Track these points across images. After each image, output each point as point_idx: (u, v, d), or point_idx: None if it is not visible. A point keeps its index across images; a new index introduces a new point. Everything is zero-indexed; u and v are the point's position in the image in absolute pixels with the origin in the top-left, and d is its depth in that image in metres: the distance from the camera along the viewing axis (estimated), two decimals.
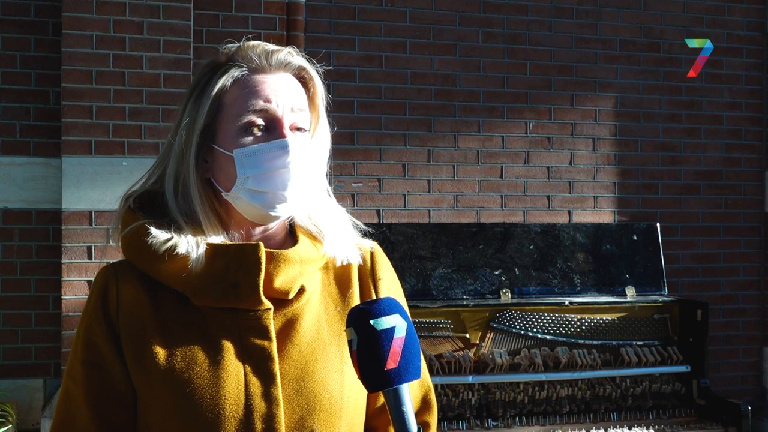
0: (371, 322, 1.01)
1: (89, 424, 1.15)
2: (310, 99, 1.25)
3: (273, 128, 1.18)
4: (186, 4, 3.81)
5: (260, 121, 1.17)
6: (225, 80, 1.18)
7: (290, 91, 1.20)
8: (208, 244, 1.16)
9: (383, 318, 1.01)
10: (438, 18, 4.35)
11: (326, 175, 1.30)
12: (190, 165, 1.18)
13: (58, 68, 3.76)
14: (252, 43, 1.22)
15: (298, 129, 1.20)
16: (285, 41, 4.00)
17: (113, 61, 3.72)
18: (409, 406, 1.00)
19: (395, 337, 1.01)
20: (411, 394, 1.29)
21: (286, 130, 1.18)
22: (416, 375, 1.02)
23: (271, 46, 1.21)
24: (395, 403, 1.00)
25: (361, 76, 4.24)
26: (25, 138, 3.90)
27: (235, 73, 1.18)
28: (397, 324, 1.02)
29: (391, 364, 1.00)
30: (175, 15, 3.78)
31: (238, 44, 1.22)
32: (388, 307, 1.03)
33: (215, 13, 4.02)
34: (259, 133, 1.17)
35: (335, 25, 4.23)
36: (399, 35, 4.30)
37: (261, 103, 1.17)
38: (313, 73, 1.25)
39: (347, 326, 1.03)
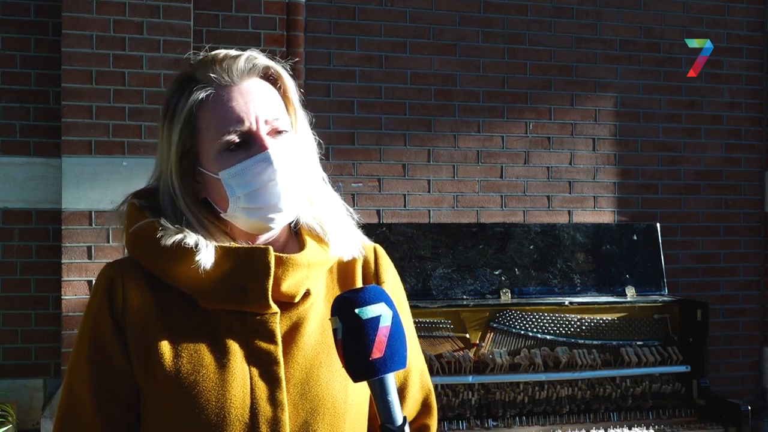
0: (356, 311, 1.00)
1: (94, 421, 1.14)
2: (283, 95, 1.22)
3: (252, 142, 1.16)
4: (186, 4, 3.81)
5: (237, 138, 1.15)
6: (191, 104, 1.16)
7: (260, 100, 1.17)
8: (216, 246, 1.15)
9: (368, 307, 1.00)
10: (438, 18, 4.35)
11: (320, 161, 1.28)
12: (179, 191, 1.17)
13: (58, 68, 3.76)
14: (211, 55, 1.19)
15: (279, 132, 1.18)
16: (285, 41, 4.01)
17: (113, 61, 3.72)
18: (395, 396, 1.00)
19: (381, 326, 1.00)
20: (412, 397, 1.29)
21: (266, 140, 1.15)
22: (402, 365, 1.01)
23: (232, 53, 1.18)
24: (381, 392, 1.00)
25: (361, 76, 4.24)
26: (25, 138, 3.90)
27: (200, 95, 1.16)
28: (382, 313, 1.01)
29: (377, 353, 0.99)
30: (175, 15, 3.78)
31: (201, 56, 1.20)
32: (373, 295, 1.02)
33: (215, 13, 4.02)
34: (240, 150, 1.15)
35: (335, 25, 4.23)
36: (399, 35, 4.30)
37: (233, 126, 1.14)
38: (280, 69, 1.22)
39: (332, 315, 1.02)
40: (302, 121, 1.26)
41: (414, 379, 1.30)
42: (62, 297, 3.66)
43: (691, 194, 4.71)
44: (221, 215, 1.19)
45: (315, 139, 1.28)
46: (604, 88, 4.58)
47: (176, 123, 1.16)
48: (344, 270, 1.27)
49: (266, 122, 1.17)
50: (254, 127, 1.15)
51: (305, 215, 1.24)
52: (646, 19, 4.64)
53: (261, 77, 1.20)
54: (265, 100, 1.18)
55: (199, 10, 3.96)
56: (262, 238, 1.22)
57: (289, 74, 1.23)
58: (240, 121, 1.15)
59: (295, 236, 1.26)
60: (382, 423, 0.99)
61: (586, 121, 4.55)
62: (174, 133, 1.16)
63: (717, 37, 4.64)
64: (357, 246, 1.26)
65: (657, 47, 4.66)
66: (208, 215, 1.19)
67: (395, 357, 1.00)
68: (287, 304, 1.18)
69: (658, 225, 4.08)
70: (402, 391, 1.28)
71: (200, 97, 1.16)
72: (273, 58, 1.23)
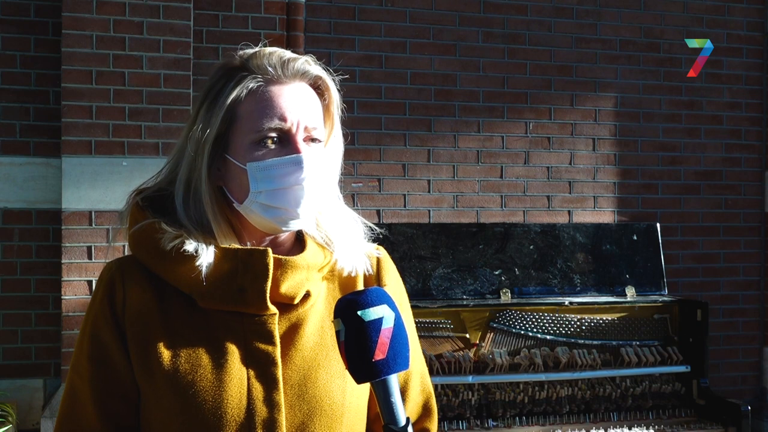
0: (359, 312, 1.00)
1: (94, 420, 1.15)
2: (326, 108, 1.24)
3: (287, 142, 1.16)
4: (186, 4, 3.81)
5: (274, 135, 1.16)
6: (239, 91, 1.16)
7: (305, 105, 1.18)
8: (217, 247, 1.15)
9: (371, 309, 1.01)
10: (438, 18, 4.35)
11: (338, 182, 1.29)
12: (203, 173, 1.17)
13: (58, 68, 3.76)
14: (268, 50, 1.20)
15: (313, 140, 1.19)
16: (285, 41, 4.01)
17: (113, 61, 3.72)
18: (398, 397, 1.00)
19: (383, 327, 1.00)
20: (412, 400, 1.29)
21: (301, 145, 1.16)
22: (404, 366, 1.01)
23: (287, 55, 1.20)
24: (384, 394, 1.00)
25: (361, 76, 4.24)
26: (25, 138, 3.90)
27: (250, 84, 1.16)
28: (385, 315, 1.01)
29: (379, 355, 0.99)
30: (175, 15, 3.78)
31: (254, 50, 1.21)
32: (375, 297, 1.02)
33: (215, 13, 4.02)
34: (273, 146, 1.16)
35: (335, 25, 4.23)
36: (399, 35, 4.30)
37: (276, 121, 1.15)
38: (330, 82, 1.23)
39: (335, 317, 1.03)
40: (336, 137, 1.27)
41: (414, 382, 1.30)
42: (62, 297, 3.66)
43: (691, 194, 4.71)
44: (234, 206, 1.19)
45: (342, 159, 1.29)
46: (604, 88, 4.58)
47: (219, 107, 1.16)
48: (348, 278, 1.27)
49: (306, 128, 1.17)
50: (294, 129, 1.16)
51: (312, 228, 1.25)
52: (646, 19, 4.64)
53: (310, 84, 1.21)
54: (309, 106, 1.19)
55: (199, 10, 3.96)
56: (268, 240, 1.22)
57: (337, 89, 1.24)
58: (283, 118, 1.15)
59: (299, 242, 1.26)
60: (385, 424, 0.99)
61: (586, 121, 4.55)
62: (215, 116, 1.16)
63: (717, 37, 4.64)
64: (362, 265, 1.26)
65: (657, 47, 4.66)
66: (221, 204, 1.19)
67: (398, 358, 1.01)
68: (287, 305, 1.18)
69: (658, 225, 4.08)
70: (402, 394, 1.28)
71: (250, 86, 1.16)
72: (327, 70, 1.24)
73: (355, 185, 4.20)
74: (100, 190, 3.66)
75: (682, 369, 3.63)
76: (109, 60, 3.71)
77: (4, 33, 3.89)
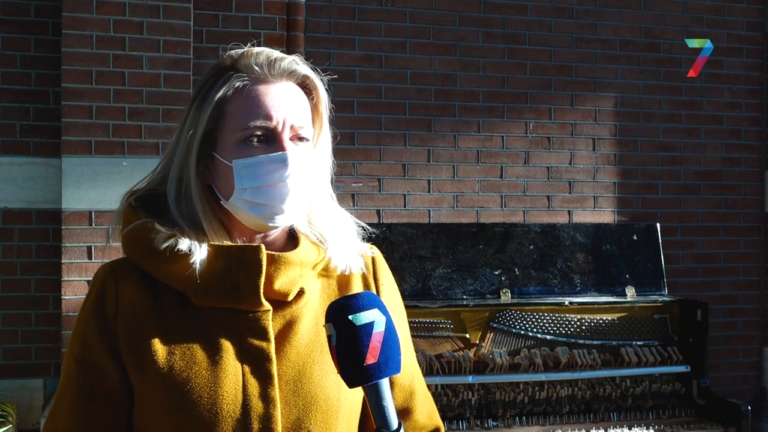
0: (350, 317, 1.01)
1: (72, 421, 1.15)
2: (314, 107, 1.25)
3: (273, 140, 1.17)
4: (186, 4, 3.81)
5: (259, 133, 1.17)
6: (226, 89, 1.18)
7: (292, 104, 1.19)
8: (209, 245, 1.16)
9: (362, 313, 1.01)
10: (438, 18, 4.35)
11: (331, 180, 1.29)
12: (191, 171, 1.18)
13: (58, 68, 3.76)
14: (256, 50, 1.21)
15: (300, 138, 1.20)
16: (285, 41, 4.01)
17: (113, 61, 3.72)
18: (390, 401, 1.01)
19: (374, 331, 1.01)
20: (421, 394, 1.30)
21: (287, 143, 1.17)
22: (396, 369, 1.02)
23: (275, 54, 1.21)
24: (376, 398, 1.00)
25: (361, 76, 4.24)
26: (25, 138, 3.90)
27: (237, 83, 1.18)
28: (376, 319, 1.01)
29: (371, 359, 1.00)
30: (175, 15, 3.78)
31: (243, 49, 1.22)
32: (366, 301, 1.03)
33: (215, 13, 4.02)
34: (259, 144, 1.17)
35: (335, 25, 4.23)
36: (399, 35, 4.30)
37: (261, 120, 1.16)
38: (317, 82, 1.24)
39: (326, 321, 1.03)
40: (325, 136, 1.28)
41: (418, 378, 1.32)
42: (62, 297, 3.66)
43: (691, 194, 4.71)
44: (222, 203, 1.20)
45: (332, 158, 1.30)
46: (604, 88, 4.58)
47: (207, 105, 1.18)
48: (342, 276, 1.28)
49: (292, 127, 1.18)
50: (279, 128, 1.17)
51: (304, 226, 1.26)
52: (646, 19, 4.64)
53: (298, 84, 1.22)
54: (296, 105, 1.20)
55: (199, 10, 3.96)
56: (258, 237, 1.23)
57: (326, 89, 1.25)
58: (268, 117, 1.16)
59: (292, 240, 1.27)
60: (377, 428, 1.00)
61: (586, 121, 4.55)
62: (203, 114, 1.18)
63: (717, 37, 4.64)
64: (356, 262, 1.26)
65: (657, 47, 4.66)
66: (210, 201, 1.20)
67: (389, 362, 1.01)
68: (281, 302, 1.19)
69: (658, 225, 4.08)
70: (410, 394, 1.30)
71: (236, 85, 1.18)
72: (315, 70, 1.25)
73: (355, 185, 4.20)
74: (100, 190, 3.66)
75: (682, 369, 3.63)
76: (109, 60, 3.71)
77: (4, 33, 3.89)
